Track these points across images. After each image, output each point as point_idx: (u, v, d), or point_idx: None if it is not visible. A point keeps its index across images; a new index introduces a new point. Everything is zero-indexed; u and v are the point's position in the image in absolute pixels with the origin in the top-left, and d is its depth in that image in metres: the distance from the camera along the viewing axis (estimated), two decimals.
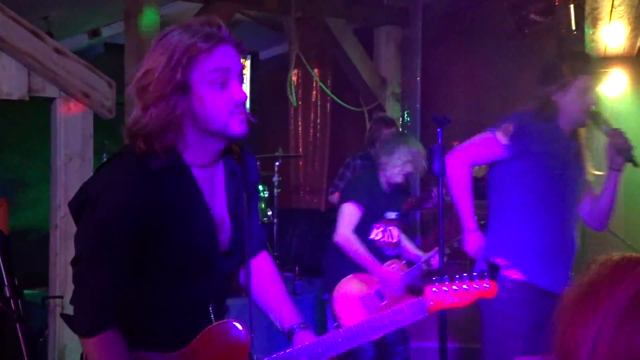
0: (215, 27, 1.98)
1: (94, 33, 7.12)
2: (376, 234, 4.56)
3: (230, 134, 2.01)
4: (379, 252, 4.58)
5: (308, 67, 6.65)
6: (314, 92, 8.93)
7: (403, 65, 6.96)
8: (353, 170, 5.67)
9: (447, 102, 7.82)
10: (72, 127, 4.91)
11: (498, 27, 7.97)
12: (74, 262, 1.94)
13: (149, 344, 2.00)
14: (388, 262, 4.53)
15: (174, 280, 2.01)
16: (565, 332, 0.87)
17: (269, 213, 6.99)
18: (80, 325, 1.92)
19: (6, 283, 1.79)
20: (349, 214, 4.40)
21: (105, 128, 5.80)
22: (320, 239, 7.85)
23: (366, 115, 6.86)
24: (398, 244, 4.71)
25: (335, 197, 5.65)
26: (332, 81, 8.57)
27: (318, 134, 8.96)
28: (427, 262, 4.57)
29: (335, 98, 7.00)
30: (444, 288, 2.27)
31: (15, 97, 5.09)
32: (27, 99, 5.15)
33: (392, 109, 6.87)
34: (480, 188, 6.38)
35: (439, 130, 3.38)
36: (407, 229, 5.80)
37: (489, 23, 8.04)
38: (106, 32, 7.18)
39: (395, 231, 4.67)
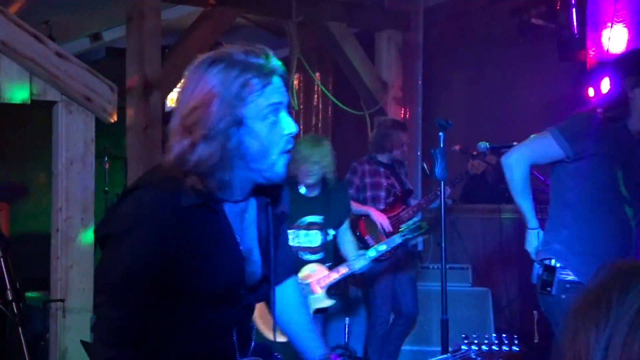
0: (264, 58, 1.95)
1: (95, 37, 7.13)
2: (292, 239, 4.57)
3: (275, 173, 1.96)
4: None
5: (309, 70, 6.65)
6: (315, 96, 8.94)
7: (404, 69, 6.96)
8: (361, 175, 5.63)
9: (448, 106, 7.83)
10: (73, 131, 4.91)
11: (499, 31, 7.98)
12: (96, 291, 1.92)
13: None
14: (306, 267, 4.59)
15: (198, 311, 1.97)
16: (576, 338, 0.87)
17: None
18: (94, 356, 1.90)
19: (8, 286, 1.79)
20: None
21: (106, 132, 5.81)
22: None
23: (367, 119, 6.86)
24: (320, 248, 4.73)
25: None
26: (334, 85, 8.57)
27: None
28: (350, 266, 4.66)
29: (336, 102, 7.01)
30: None
31: (17, 101, 5.09)
32: (29, 102, 5.15)
33: (394, 113, 6.87)
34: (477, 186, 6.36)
35: (441, 134, 3.37)
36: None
37: (491, 27, 8.04)
38: (107, 36, 7.18)
39: (317, 235, 4.71)
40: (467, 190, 6.88)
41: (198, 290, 1.93)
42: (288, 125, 1.94)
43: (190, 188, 1.87)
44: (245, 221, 2.04)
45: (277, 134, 1.91)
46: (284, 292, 2.32)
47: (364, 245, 5.45)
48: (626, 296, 0.85)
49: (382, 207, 5.57)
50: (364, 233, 5.52)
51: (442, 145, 3.38)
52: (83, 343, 1.69)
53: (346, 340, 6.67)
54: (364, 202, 5.58)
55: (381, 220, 5.48)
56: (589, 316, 0.86)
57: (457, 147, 5.49)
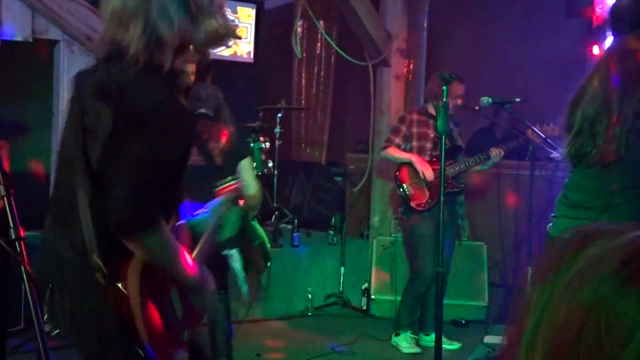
0: None
1: None
2: None
3: None
4: None
5: (314, 19, 6.59)
6: (319, 44, 8.88)
7: (409, 20, 6.88)
8: (409, 124, 5.52)
9: (452, 60, 7.78)
10: (74, 71, 4.87)
11: None
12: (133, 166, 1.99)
13: None
14: None
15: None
16: (525, 297, 0.88)
17: (270, 164, 7.00)
18: (142, 218, 1.97)
19: (11, 225, 1.80)
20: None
21: None
22: (319, 191, 7.89)
23: (370, 70, 6.82)
24: None
25: (390, 151, 5.52)
26: (338, 34, 8.50)
27: (321, 87, 8.92)
28: None
29: (340, 51, 6.95)
30: None
31: (18, 38, 5.06)
32: (31, 40, 5.12)
33: (398, 65, 6.82)
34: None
35: (444, 87, 3.36)
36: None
37: None
38: None
39: None
40: (473, 143, 6.85)
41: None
42: None
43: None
44: None
45: None
46: None
47: (401, 192, 5.47)
48: (575, 257, 0.86)
49: (427, 159, 5.47)
50: (403, 180, 5.46)
51: (445, 99, 3.37)
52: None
53: (340, 289, 6.77)
54: (409, 151, 5.50)
55: (424, 168, 5.40)
56: (541, 276, 0.87)
57: (459, 102, 5.46)
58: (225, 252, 4.11)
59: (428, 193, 5.45)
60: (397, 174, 5.54)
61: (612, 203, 2.88)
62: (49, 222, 2.01)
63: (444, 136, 3.33)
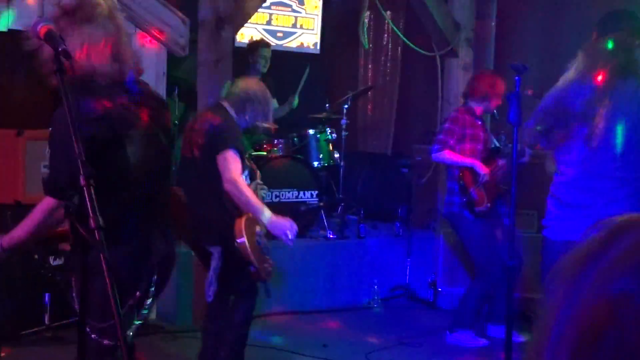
0: None
1: None
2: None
3: None
4: None
5: (381, 9, 6.56)
6: (386, 35, 8.83)
7: (478, 10, 6.80)
8: (462, 125, 5.40)
9: (521, 49, 7.65)
10: (146, 64, 4.94)
11: None
12: None
13: None
14: None
15: None
16: (550, 294, 0.86)
17: (336, 155, 7.01)
18: None
19: (90, 214, 1.85)
20: (234, 161, 3.97)
21: (177, 65, 5.87)
22: (385, 182, 7.86)
23: (438, 60, 6.76)
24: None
25: (446, 154, 5.42)
26: (405, 25, 8.44)
27: (388, 78, 8.88)
28: None
29: (407, 41, 6.91)
30: None
31: None
32: None
33: (465, 55, 6.74)
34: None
35: (516, 78, 3.31)
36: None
37: None
38: None
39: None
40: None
41: None
42: None
43: None
44: None
45: None
46: None
47: (466, 197, 5.41)
48: (602, 253, 0.83)
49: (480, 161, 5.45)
50: (468, 184, 5.39)
51: (517, 90, 3.32)
52: None
53: (407, 281, 6.74)
54: (461, 153, 5.44)
55: (484, 171, 5.36)
56: (565, 273, 0.85)
57: (529, 92, 5.35)
58: (209, 248, 4.07)
59: (486, 195, 5.42)
60: (460, 178, 5.43)
61: None
62: None
63: (515, 128, 3.28)
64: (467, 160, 5.42)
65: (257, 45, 7.10)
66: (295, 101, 7.09)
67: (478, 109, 5.50)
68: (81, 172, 1.84)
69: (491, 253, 5.39)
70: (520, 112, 3.35)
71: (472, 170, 5.41)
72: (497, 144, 5.81)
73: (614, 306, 0.79)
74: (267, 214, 3.91)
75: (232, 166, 3.90)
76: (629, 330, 0.77)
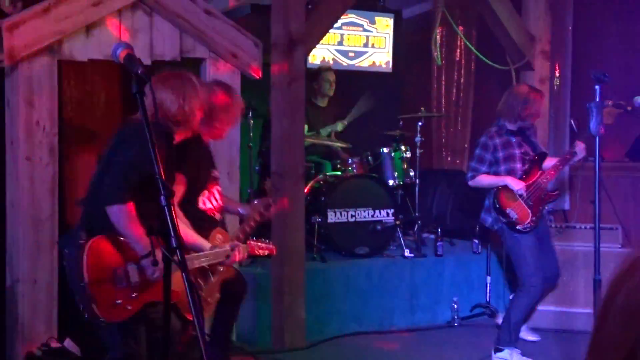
0: None
1: None
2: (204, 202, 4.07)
3: None
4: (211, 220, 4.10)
5: (453, 24, 6.51)
6: (458, 50, 8.74)
7: (553, 21, 6.66)
8: (493, 151, 5.31)
9: (599, 60, 7.47)
10: None
11: None
12: None
13: None
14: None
15: None
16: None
17: (411, 173, 6.95)
18: None
19: (172, 234, 1.86)
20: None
21: (251, 88, 5.92)
22: (461, 200, 7.75)
23: (513, 74, 6.65)
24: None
25: (480, 178, 5.32)
26: (477, 39, 8.35)
27: (461, 94, 8.78)
28: None
29: (480, 56, 6.83)
30: None
31: (167, 58, 5.27)
32: (179, 59, 5.32)
33: (542, 67, 6.62)
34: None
35: (597, 87, 3.22)
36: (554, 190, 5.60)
37: None
38: None
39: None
40: (637, 147, 6.53)
41: None
42: None
43: None
44: None
45: None
46: None
47: (505, 219, 5.27)
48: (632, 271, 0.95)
49: (518, 177, 5.32)
50: (504, 205, 5.26)
51: (597, 99, 3.23)
52: None
53: (487, 299, 6.61)
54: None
55: (518, 186, 5.23)
56: (609, 289, 0.94)
57: (609, 102, 5.21)
58: None
59: (530, 211, 5.25)
60: (495, 202, 5.29)
61: None
62: None
63: (597, 137, 3.19)
64: (500, 179, 5.28)
65: (318, 70, 7.15)
66: (339, 126, 7.07)
67: (512, 125, 5.36)
68: (162, 192, 1.86)
69: (535, 267, 5.26)
70: (601, 121, 3.25)
71: (506, 188, 5.27)
72: (543, 150, 5.59)
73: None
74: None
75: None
76: None
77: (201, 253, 3.59)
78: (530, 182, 5.29)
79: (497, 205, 5.28)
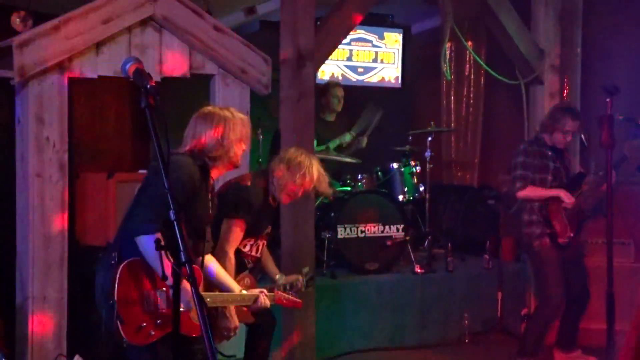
0: None
1: (250, 11, 7.25)
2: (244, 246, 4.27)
3: None
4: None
5: (462, 39, 6.50)
6: (467, 65, 8.74)
7: (563, 35, 6.65)
8: (533, 156, 5.35)
9: (608, 75, 7.43)
10: (230, 104, 5.02)
11: None
12: None
13: None
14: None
15: None
16: None
17: (421, 188, 6.93)
18: None
19: (181, 249, 1.85)
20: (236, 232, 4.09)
21: (260, 104, 5.93)
22: (472, 215, 7.72)
23: (523, 88, 6.64)
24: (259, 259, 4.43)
25: (530, 190, 5.35)
26: (487, 54, 8.35)
27: (471, 109, 8.77)
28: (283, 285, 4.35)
29: (490, 71, 6.81)
30: None
31: (177, 74, 5.28)
32: (188, 76, 5.33)
33: (551, 82, 6.60)
34: None
35: (608, 99, 3.20)
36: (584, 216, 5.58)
37: None
38: (261, 10, 7.29)
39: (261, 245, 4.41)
40: None
41: None
42: None
43: None
44: None
45: None
46: None
47: (550, 229, 5.33)
48: None
49: None
50: (554, 217, 5.35)
51: (609, 112, 3.21)
52: None
53: (499, 314, 6.56)
54: (533, 183, 5.37)
55: (570, 200, 5.32)
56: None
57: (620, 117, 5.19)
58: None
59: (569, 226, 5.35)
60: (545, 211, 5.36)
61: None
62: None
63: (608, 151, 3.17)
64: (553, 192, 5.34)
65: (327, 86, 7.17)
66: (348, 137, 7.07)
67: (548, 139, 5.44)
68: (172, 207, 1.86)
69: (558, 282, 5.33)
70: (612, 134, 3.23)
71: (557, 200, 5.32)
72: (581, 170, 5.70)
73: None
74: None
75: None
76: None
77: (229, 294, 3.70)
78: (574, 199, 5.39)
79: (546, 215, 5.34)
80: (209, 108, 3.61)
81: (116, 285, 3.11)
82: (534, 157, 5.38)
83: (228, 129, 3.48)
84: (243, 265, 4.23)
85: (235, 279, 3.93)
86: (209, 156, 3.46)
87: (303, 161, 4.23)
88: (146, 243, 3.13)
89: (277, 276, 4.46)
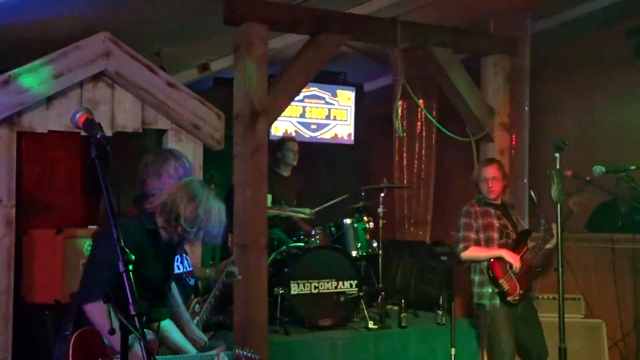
0: None
1: (204, 67, 7.29)
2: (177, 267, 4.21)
3: None
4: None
5: (414, 97, 6.59)
6: (419, 123, 8.86)
7: (511, 94, 6.81)
8: (475, 218, 5.52)
9: (556, 132, 7.61)
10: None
11: (610, 54, 7.73)
12: None
13: None
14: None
15: None
16: None
17: (374, 244, 6.93)
18: None
19: (130, 300, 1.80)
20: None
21: (213, 159, 5.91)
22: (425, 271, 7.73)
23: (473, 146, 6.74)
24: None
25: (473, 250, 5.51)
26: (438, 112, 8.48)
27: (423, 165, 8.86)
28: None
29: (441, 128, 6.91)
30: None
31: (129, 129, 5.25)
32: (141, 131, 5.31)
33: (501, 139, 6.72)
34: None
35: (557, 154, 3.26)
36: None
37: (601, 50, 7.81)
38: (215, 67, 7.34)
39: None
40: (595, 220, 6.68)
41: None
42: None
43: None
44: None
45: None
46: None
47: (498, 288, 5.41)
48: None
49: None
50: (498, 276, 5.44)
51: (558, 167, 3.27)
52: None
53: None
54: (478, 244, 5.51)
55: (514, 260, 5.42)
56: None
57: (569, 173, 5.29)
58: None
59: (518, 284, 5.44)
60: (490, 272, 5.46)
61: None
62: None
63: (559, 205, 3.22)
64: (496, 251, 5.44)
65: (282, 140, 7.20)
66: (307, 211, 7.04)
67: (485, 195, 5.59)
68: (120, 258, 1.82)
69: (509, 340, 5.41)
70: (562, 188, 3.29)
71: (501, 260, 5.38)
72: (526, 227, 5.81)
73: None
74: None
75: None
76: None
77: (185, 355, 3.56)
78: (520, 256, 5.48)
79: (492, 275, 5.42)
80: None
81: (70, 357, 3.09)
82: (476, 218, 5.52)
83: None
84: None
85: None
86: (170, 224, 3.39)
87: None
88: (92, 309, 3.09)
89: (208, 271, 4.50)
